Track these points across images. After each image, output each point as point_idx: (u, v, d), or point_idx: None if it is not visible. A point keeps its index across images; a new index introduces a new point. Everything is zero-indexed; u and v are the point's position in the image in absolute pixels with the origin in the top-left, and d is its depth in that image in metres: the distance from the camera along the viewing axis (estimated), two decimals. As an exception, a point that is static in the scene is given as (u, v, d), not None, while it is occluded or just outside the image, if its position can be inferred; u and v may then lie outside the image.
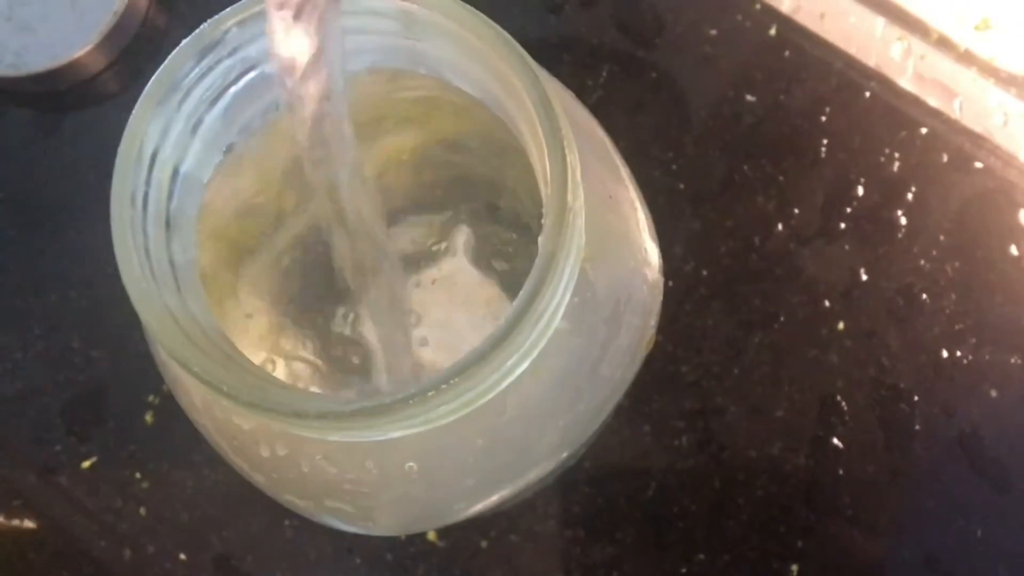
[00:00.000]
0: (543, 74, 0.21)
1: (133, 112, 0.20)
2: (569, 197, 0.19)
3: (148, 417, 0.41)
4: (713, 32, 0.44)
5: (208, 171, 0.23)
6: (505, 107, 0.22)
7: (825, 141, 0.42)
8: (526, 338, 0.19)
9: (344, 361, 0.33)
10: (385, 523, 0.24)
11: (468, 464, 0.23)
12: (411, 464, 0.23)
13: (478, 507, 0.25)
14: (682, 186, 0.42)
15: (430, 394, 0.19)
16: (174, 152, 0.21)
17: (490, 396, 0.20)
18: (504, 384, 0.20)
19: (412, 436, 0.22)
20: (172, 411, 0.40)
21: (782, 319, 0.41)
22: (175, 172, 0.21)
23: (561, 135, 0.19)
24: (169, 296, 0.20)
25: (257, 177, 0.29)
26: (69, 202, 0.43)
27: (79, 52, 0.43)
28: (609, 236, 0.24)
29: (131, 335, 0.41)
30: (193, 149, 0.22)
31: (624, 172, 0.26)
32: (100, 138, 0.44)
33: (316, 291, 0.34)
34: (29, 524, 0.40)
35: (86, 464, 0.41)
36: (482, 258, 0.36)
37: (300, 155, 0.31)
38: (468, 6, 0.20)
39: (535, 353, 0.20)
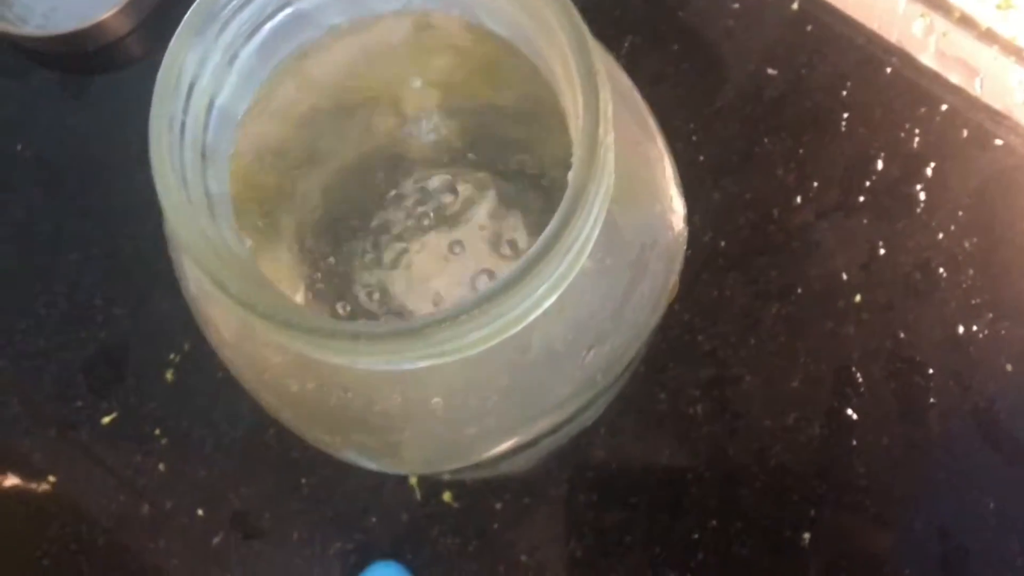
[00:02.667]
0: (576, 13, 0.21)
1: (172, 40, 0.21)
2: (601, 130, 0.20)
3: (168, 375, 0.41)
4: (736, 6, 0.44)
5: (242, 107, 0.23)
6: (537, 46, 0.22)
7: (846, 115, 0.43)
8: (555, 268, 0.19)
9: (365, 309, 0.33)
10: (409, 459, 0.25)
11: (492, 402, 0.23)
12: (437, 399, 0.23)
13: (499, 448, 0.25)
14: (702, 158, 0.43)
15: (462, 318, 0.19)
16: (211, 84, 0.22)
17: (519, 326, 0.20)
18: (533, 315, 0.20)
19: (438, 370, 0.22)
20: (192, 369, 0.41)
21: (799, 291, 0.41)
22: (211, 104, 0.22)
23: (594, 68, 0.20)
24: (205, 221, 0.20)
25: (282, 122, 0.30)
26: (94, 162, 0.44)
27: (106, 14, 0.43)
28: (636, 181, 0.24)
29: (152, 294, 0.42)
30: (229, 82, 0.22)
31: (652, 122, 0.26)
32: (125, 100, 0.44)
33: (340, 237, 0.34)
34: (50, 478, 0.41)
35: (106, 420, 0.41)
36: (503, 215, 0.36)
37: (322, 103, 0.32)
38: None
39: (563, 286, 0.21)
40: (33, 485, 0.41)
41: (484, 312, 0.19)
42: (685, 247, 0.26)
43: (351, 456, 0.25)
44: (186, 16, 0.21)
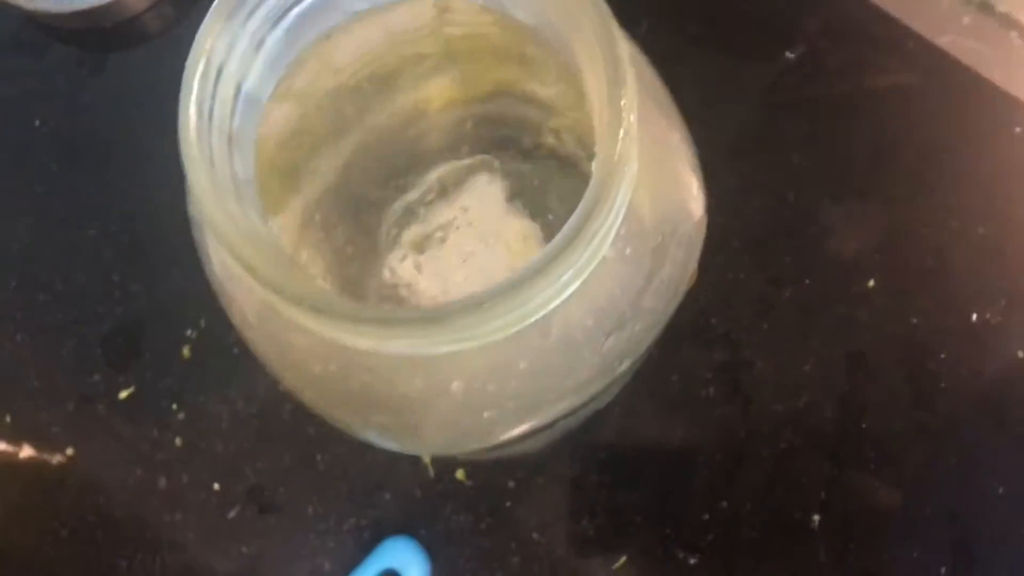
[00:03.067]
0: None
1: (201, 26, 0.21)
2: (625, 120, 0.20)
3: (185, 351, 0.42)
4: (754, -12, 0.44)
5: (267, 91, 0.24)
6: (561, 33, 0.22)
7: (863, 100, 0.43)
8: (579, 256, 0.20)
9: (380, 294, 0.33)
10: (427, 441, 0.25)
11: (511, 386, 0.24)
12: (457, 383, 0.23)
13: (518, 430, 0.25)
14: (718, 140, 0.43)
15: (486, 305, 0.19)
16: (238, 69, 0.22)
17: (541, 314, 0.21)
18: (555, 302, 0.21)
19: (459, 355, 0.22)
20: (209, 345, 0.42)
21: (813, 275, 0.41)
22: (238, 89, 0.22)
23: (620, 57, 0.20)
24: (232, 204, 0.21)
25: (303, 103, 0.30)
26: (112, 138, 0.44)
27: (124, -11, 0.43)
28: (658, 169, 0.24)
29: (170, 271, 0.42)
30: (255, 68, 0.22)
31: (674, 110, 0.26)
32: (144, 77, 0.44)
33: (357, 220, 0.35)
34: (67, 451, 0.41)
35: (123, 394, 0.41)
36: (516, 198, 0.37)
37: (344, 86, 0.32)
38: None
39: (586, 274, 0.21)
40: (50, 457, 0.41)
41: (508, 300, 0.19)
42: (704, 234, 0.26)
43: (371, 436, 0.25)
44: (215, 2, 0.21)
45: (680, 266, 0.25)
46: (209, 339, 0.42)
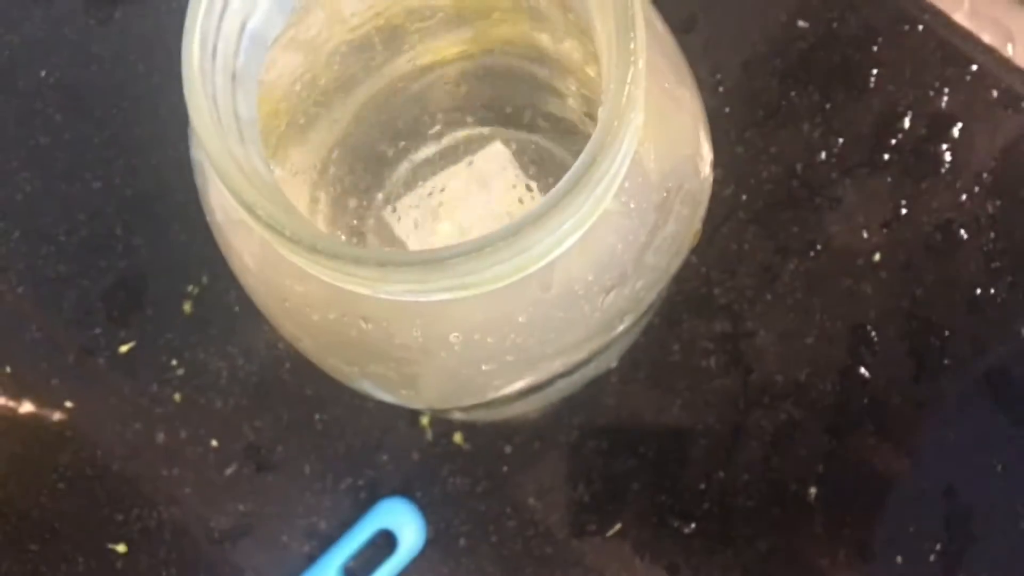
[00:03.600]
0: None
1: (206, -41, 0.20)
2: (632, 63, 0.19)
3: (186, 307, 0.41)
4: (768, -44, 0.44)
5: (272, 32, 0.23)
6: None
7: (875, 71, 0.42)
8: (581, 204, 0.19)
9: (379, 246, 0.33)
10: (424, 393, 0.25)
11: (509, 339, 0.23)
12: (455, 334, 0.23)
13: (516, 385, 0.25)
14: (728, 109, 0.42)
15: (486, 250, 0.19)
16: (243, 5, 0.21)
17: (541, 263, 0.20)
18: (556, 252, 0.20)
19: (458, 305, 0.22)
20: (210, 302, 0.41)
21: (819, 247, 0.41)
22: (243, 27, 0.22)
23: (630, 6, 0.20)
24: (234, 145, 0.20)
25: (309, 52, 0.30)
26: (117, 91, 0.44)
27: (133, -59, 0.43)
28: (666, 124, 0.24)
29: (172, 225, 0.42)
30: (260, 5, 0.22)
31: (684, 67, 0.26)
32: (150, 30, 0.44)
33: (357, 179, 0.34)
34: (66, 404, 0.41)
35: (124, 348, 0.41)
36: (523, 168, 0.36)
37: (352, 38, 0.32)
38: None
39: (588, 224, 0.21)
40: (49, 411, 0.41)
41: (508, 245, 0.19)
42: (710, 193, 0.26)
43: (367, 387, 0.25)
44: (219, -63, 0.20)
45: (684, 223, 0.25)
46: (211, 295, 0.41)
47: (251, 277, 0.25)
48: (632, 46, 0.19)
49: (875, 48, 0.42)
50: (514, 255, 0.19)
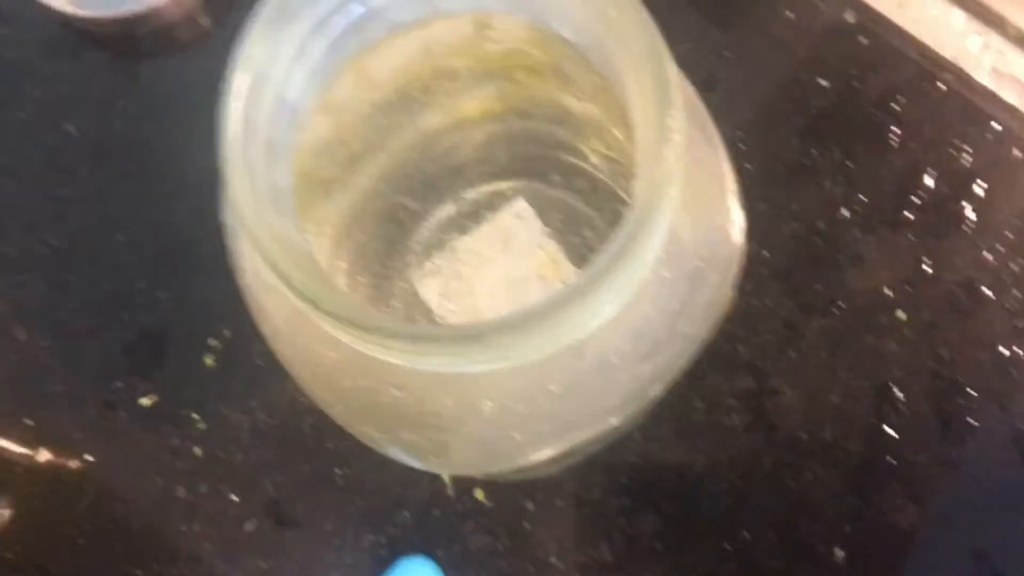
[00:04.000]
0: (652, 22, 0.21)
1: (245, 34, 0.21)
2: (673, 145, 0.20)
3: (208, 360, 0.41)
4: (790, 15, 0.44)
5: (308, 101, 0.24)
6: (607, 52, 0.22)
7: (896, 130, 0.42)
8: (621, 280, 0.19)
9: (405, 310, 0.33)
10: (457, 460, 0.25)
11: (542, 408, 0.23)
12: (488, 403, 0.23)
13: (547, 452, 0.25)
14: (749, 166, 0.42)
15: (526, 326, 0.19)
16: (281, 79, 0.22)
17: (578, 336, 0.20)
18: (594, 324, 0.20)
19: (492, 375, 0.22)
20: (232, 356, 0.41)
21: (842, 305, 0.41)
22: (280, 98, 0.22)
23: (669, 80, 0.20)
24: (271, 216, 0.21)
25: (339, 115, 0.30)
26: (143, 146, 0.44)
27: (163, 1, 0.44)
28: (699, 193, 0.24)
29: (195, 280, 0.42)
30: (297, 77, 0.22)
31: (715, 134, 0.26)
32: (175, 86, 0.45)
33: (382, 238, 0.34)
34: (87, 457, 0.41)
35: (146, 402, 0.41)
36: (549, 224, 0.37)
37: (380, 99, 0.32)
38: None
39: (626, 297, 0.21)
40: (69, 463, 0.41)
41: (546, 321, 0.19)
42: (742, 260, 0.26)
43: (397, 453, 0.25)
44: (260, 10, 0.21)
45: (717, 291, 0.25)
46: (233, 350, 0.41)
47: (282, 343, 0.25)
48: (670, 123, 0.20)
49: (896, 107, 0.43)
50: (552, 330, 0.19)
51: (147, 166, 0.44)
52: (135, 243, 0.43)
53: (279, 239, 0.20)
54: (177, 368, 0.42)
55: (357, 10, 0.23)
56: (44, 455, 0.42)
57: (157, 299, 0.42)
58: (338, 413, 0.25)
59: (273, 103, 0.22)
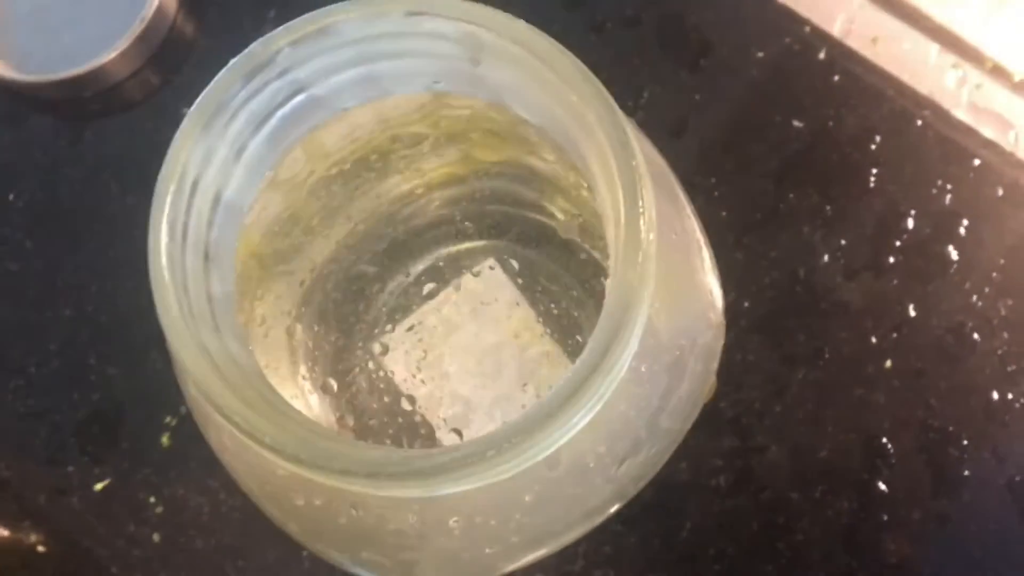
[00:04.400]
0: (618, 112, 0.19)
1: (176, 136, 0.19)
2: (645, 238, 0.18)
3: (165, 439, 0.39)
4: (760, 55, 0.42)
5: (249, 197, 0.22)
6: (572, 137, 0.20)
7: (875, 170, 0.41)
8: (596, 392, 0.18)
9: (366, 390, 0.31)
10: (426, 580, 0.23)
11: (515, 520, 0.22)
12: (455, 519, 0.21)
13: (522, 562, 0.23)
14: (724, 214, 0.41)
15: (490, 454, 0.17)
16: (216, 179, 0.20)
17: (548, 452, 0.19)
18: (566, 439, 0.19)
19: (460, 491, 0.20)
20: (189, 434, 0.39)
21: (827, 355, 0.39)
22: (216, 200, 0.20)
23: (638, 168, 0.18)
24: (207, 335, 0.19)
25: (288, 192, 0.28)
26: (90, 213, 0.42)
27: (105, 59, 0.42)
28: (674, 277, 0.22)
29: (149, 353, 0.40)
30: (236, 175, 0.20)
31: (688, 207, 0.24)
32: (123, 147, 0.43)
33: (343, 308, 0.33)
34: (39, 548, 0.39)
35: (99, 486, 0.39)
36: (518, 285, 0.35)
37: (334, 171, 0.30)
38: (539, 31, 0.19)
39: (599, 406, 0.19)
40: (18, 552, 0.39)
41: (516, 445, 0.17)
42: (723, 341, 0.24)
43: (360, 572, 0.23)
44: (191, 109, 0.19)
45: (698, 380, 0.23)
46: (189, 426, 0.39)
47: (230, 456, 0.23)
48: (641, 223, 0.18)
49: (874, 147, 0.41)
50: (522, 452, 0.18)
51: (96, 234, 0.42)
52: (85, 316, 0.41)
53: (216, 364, 0.18)
54: (132, 449, 0.39)
55: (298, 100, 0.21)
56: (-1, 535, 0.39)
57: (109, 375, 0.40)
58: (293, 531, 0.23)
59: (209, 206, 0.20)
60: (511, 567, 0.23)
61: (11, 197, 0.42)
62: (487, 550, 0.22)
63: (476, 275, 0.35)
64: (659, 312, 0.21)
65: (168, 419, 0.39)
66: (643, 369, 0.21)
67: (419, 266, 0.35)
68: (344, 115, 0.27)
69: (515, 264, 0.35)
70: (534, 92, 0.20)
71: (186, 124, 0.19)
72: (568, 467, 0.21)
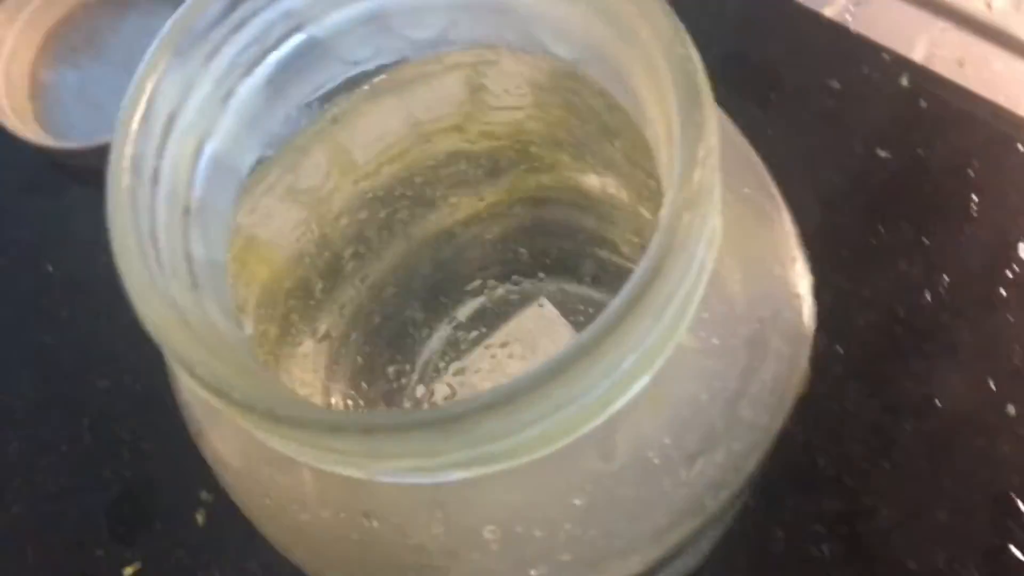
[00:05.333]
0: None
1: (144, 59, 0.16)
2: (705, 135, 0.14)
3: (199, 517, 0.36)
4: (835, 84, 0.39)
5: (247, 160, 0.19)
6: (615, 62, 0.17)
7: (975, 198, 0.37)
8: (647, 329, 0.14)
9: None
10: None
11: (564, 532, 0.17)
12: (491, 528, 0.17)
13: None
14: (807, 252, 0.37)
15: (517, 402, 0.13)
16: (198, 122, 0.17)
17: (596, 420, 0.15)
18: (616, 404, 0.15)
19: (491, 487, 0.16)
20: (226, 511, 0.35)
21: (938, 403, 0.34)
22: (199, 149, 0.17)
23: (692, 55, 0.15)
24: (180, 291, 0.15)
25: (312, 206, 0.25)
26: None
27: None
28: (749, 236, 0.19)
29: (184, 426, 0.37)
30: (224, 124, 0.18)
31: (765, 172, 0.21)
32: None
33: (385, 352, 0.29)
34: (63, 641, 0.35)
35: (129, 571, 0.36)
36: (573, 328, 0.31)
37: (366, 190, 0.27)
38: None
39: (657, 363, 0.15)
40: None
41: (547, 394, 0.13)
42: (814, 325, 0.20)
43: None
44: (161, 32, 0.16)
45: (786, 363, 0.19)
46: (226, 503, 0.36)
47: (228, 471, 0.19)
48: (699, 117, 0.14)
49: (971, 173, 0.37)
50: (556, 408, 0.14)
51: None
52: (120, 387, 0.38)
53: (184, 319, 0.15)
54: (164, 528, 0.36)
55: (296, 42, 0.18)
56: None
57: (142, 450, 0.37)
58: (301, 558, 0.19)
59: (190, 153, 0.17)
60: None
61: (49, 268, 0.40)
62: (532, 572, 0.17)
63: (530, 316, 0.32)
64: (731, 271, 0.18)
65: (205, 495, 0.36)
66: (715, 340, 0.18)
67: (465, 306, 0.32)
68: (367, 107, 0.24)
69: (571, 302, 0.32)
70: (574, 15, 0.17)
71: (155, 46, 0.16)
72: (626, 459, 0.17)
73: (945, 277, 0.36)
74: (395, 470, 0.14)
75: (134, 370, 0.38)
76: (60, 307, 0.40)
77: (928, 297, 0.36)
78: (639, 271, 0.14)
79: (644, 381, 0.15)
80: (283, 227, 0.25)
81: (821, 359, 0.35)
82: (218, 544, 0.35)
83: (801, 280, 0.19)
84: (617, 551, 0.18)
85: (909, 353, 0.35)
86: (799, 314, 0.19)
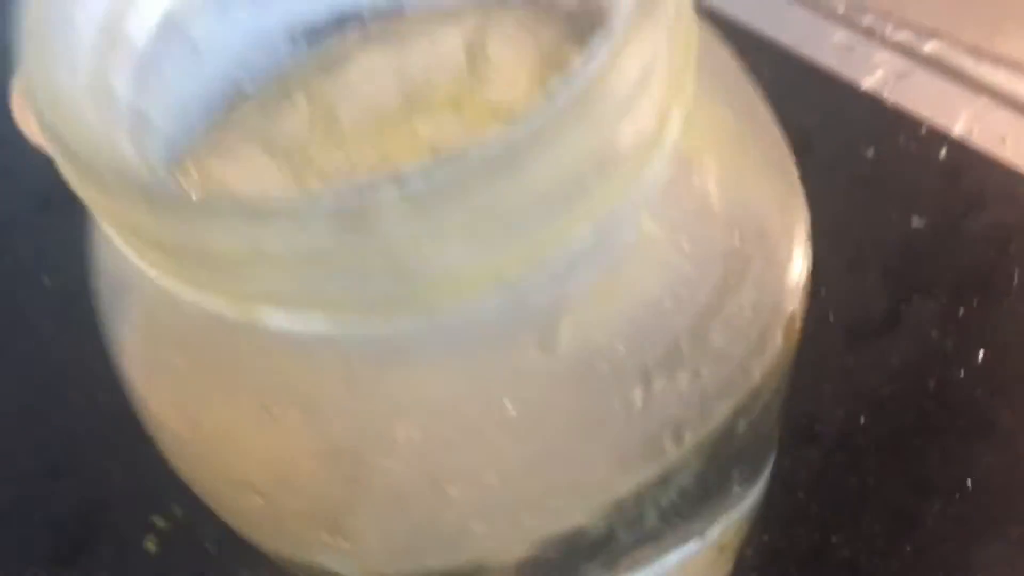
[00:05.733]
0: None
1: None
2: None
3: (150, 544, 0.33)
4: (870, 153, 0.38)
5: (202, 29, 0.17)
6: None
7: (1016, 272, 0.34)
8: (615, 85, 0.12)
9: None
10: (365, 542, 0.16)
11: (490, 443, 0.15)
12: (403, 426, 0.14)
13: (507, 543, 0.16)
14: (832, 316, 0.34)
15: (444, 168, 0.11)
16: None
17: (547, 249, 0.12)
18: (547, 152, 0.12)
19: (406, 375, 0.14)
20: (179, 540, 0.33)
21: (970, 484, 0.31)
22: (171, 21, 0.16)
23: None
24: (95, 115, 0.14)
25: (286, 167, 0.24)
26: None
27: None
28: (739, 149, 0.17)
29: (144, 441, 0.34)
30: (205, 18, 0.16)
31: (763, 104, 0.19)
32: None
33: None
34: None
35: (66, 596, 0.33)
36: None
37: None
38: None
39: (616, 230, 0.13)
40: None
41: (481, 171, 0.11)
42: (810, 267, 0.18)
43: (283, 546, 0.16)
44: None
45: (769, 294, 0.16)
46: (182, 532, 0.33)
47: (129, 357, 0.17)
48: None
49: (1012, 246, 0.35)
50: (495, 198, 0.12)
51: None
52: (92, 404, 0.36)
53: (73, 105, 0.13)
54: (110, 556, 0.33)
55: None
56: None
57: (104, 469, 0.35)
58: (198, 477, 0.16)
59: (158, 21, 0.16)
60: (490, 544, 0.16)
61: (44, 280, 0.39)
62: (449, 490, 0.15)
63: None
64: (708, 167, 0.16)
65: (158, 521, 0.33)
66: (684, 242, 0.15)
67: None
68: (355, 61, 0.23)
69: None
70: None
71: None
72: (570, 360, 0.14)
73: (981, 351, 0.33)
74: (262, 285, 0.12)
75: (111, 388, 0.36)
76: (44, 318, 0.38)
77: (961, 371, 0.33)
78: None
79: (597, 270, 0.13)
80: (253, 179, 0.23)
81: (841, 429, 0.32)
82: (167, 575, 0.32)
83: (797, 199, 0.17)
84: (558, 487, 0.15)
85: (939, 429, 0.32)
86: (789, 248, 0.17)
